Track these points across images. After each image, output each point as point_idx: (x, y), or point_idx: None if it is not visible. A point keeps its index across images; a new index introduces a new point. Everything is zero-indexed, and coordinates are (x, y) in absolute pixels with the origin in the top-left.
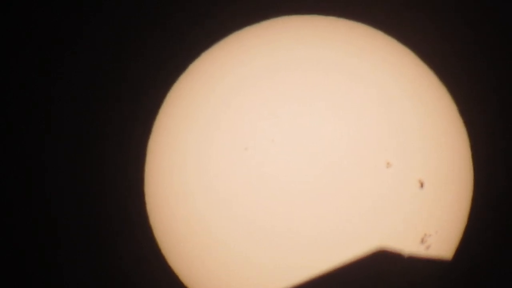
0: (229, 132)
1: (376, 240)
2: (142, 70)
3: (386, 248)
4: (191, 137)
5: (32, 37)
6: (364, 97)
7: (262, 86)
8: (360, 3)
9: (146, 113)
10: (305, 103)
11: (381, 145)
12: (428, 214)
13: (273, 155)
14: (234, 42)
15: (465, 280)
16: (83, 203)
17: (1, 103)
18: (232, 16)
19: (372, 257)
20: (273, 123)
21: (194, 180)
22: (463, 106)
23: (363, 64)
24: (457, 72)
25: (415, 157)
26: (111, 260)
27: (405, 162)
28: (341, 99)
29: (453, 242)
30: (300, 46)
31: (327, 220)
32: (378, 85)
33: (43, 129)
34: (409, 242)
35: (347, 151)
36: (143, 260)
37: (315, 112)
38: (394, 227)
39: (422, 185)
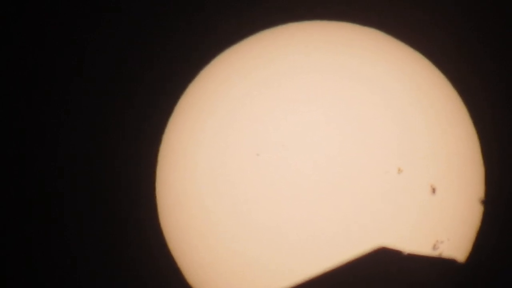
0: (241, 138)
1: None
2: (156, 74)
3: (387, 248)
4: (203, 142)
5: (51, 38)
6: (375, 103)
7: (273, 93)
8: (371, 9)
9: (158, 118)
10: (316, 110)
11: (393, 151)
12: (440, 220)
13: (285, 160)
14: (246, 48)
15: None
16: (95, 204)
17: (16, 101)
18: (242, 22)
19: (374, 257)
20: (285, 129)
21: (207, 184)
22: (474, 112)
23: (375, 70)
24: (469, 77)
25: (427, 163)
26: (121, 261)
27: (417, 168)
28: (353, 106)
29: (465, 249)
30: (311, 53)
31: (337, 226)
32: (389, 91)
33: (54, 130)
34: (421, 249)
35: (359, 157)
36: (153, 261)
37: (326, 119)
38: (405, 234)
39: (434, 190)
